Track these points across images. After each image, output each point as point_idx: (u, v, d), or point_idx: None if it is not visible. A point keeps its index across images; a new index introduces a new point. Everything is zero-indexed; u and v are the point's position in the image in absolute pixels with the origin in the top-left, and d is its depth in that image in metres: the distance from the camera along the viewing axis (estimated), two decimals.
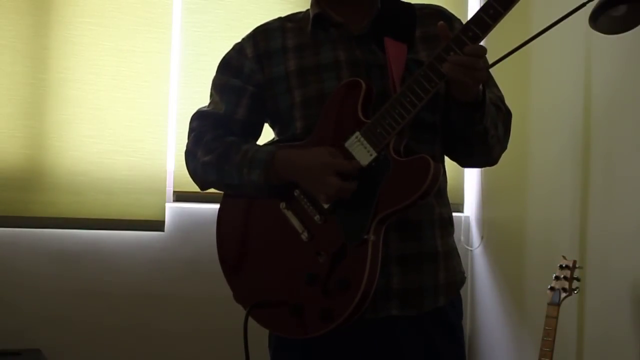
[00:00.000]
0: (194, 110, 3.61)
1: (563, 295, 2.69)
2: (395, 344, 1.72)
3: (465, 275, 1.89)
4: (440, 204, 1.79)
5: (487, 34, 1.55)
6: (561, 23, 1.71)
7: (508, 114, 1.84)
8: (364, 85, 1.68)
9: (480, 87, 1.63)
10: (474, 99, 1.64)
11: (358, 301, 1.61)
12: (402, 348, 1.73)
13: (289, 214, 1.72)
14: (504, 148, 1.84)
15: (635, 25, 2.51)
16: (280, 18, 1.92)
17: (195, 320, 3.36)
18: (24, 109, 3.22)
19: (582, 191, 2.97)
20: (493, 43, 2.06)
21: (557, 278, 2.73)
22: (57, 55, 3.26)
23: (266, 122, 1.92)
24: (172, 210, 3.37)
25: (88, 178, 3.25)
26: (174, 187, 3.37)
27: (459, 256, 1.87)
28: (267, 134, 1.92)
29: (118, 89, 3.31)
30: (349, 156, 1.66)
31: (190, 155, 1.87)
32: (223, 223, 1.89)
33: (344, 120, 1.69)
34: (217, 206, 3.49)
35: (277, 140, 1.85)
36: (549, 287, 2.73)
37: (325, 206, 1.68)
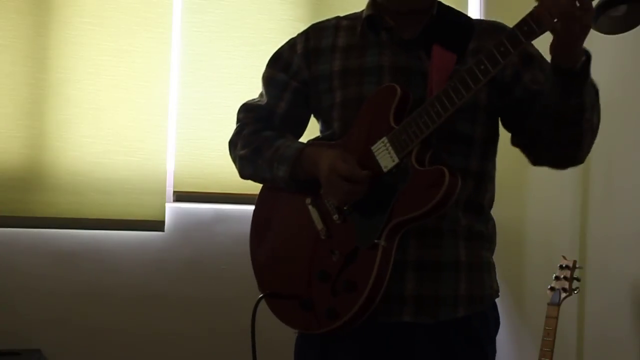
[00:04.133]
0: (194, 110, 3.63)
1: (563, 295, 2.69)
2: (409, 351, 1.71)
3: (498, 290, 1.83)
4: (469, 217, 1.74)
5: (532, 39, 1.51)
6: None
7: (600, 110, 1.70)
8: (399, 91, 1.67)
9: (584, 57, 1.56)
10: (573, 65, 1.54)
11: (362, 304, 1.62)
12: (414, 355, 1.71)
13: (312, 210, 1.76)
14: (591, 144, 1.69)
15: (635, 25, 2.51)
16: (337, 16, 1.91)
17: (195, 320, 3.36)
18: (24, 109, 3.22)
19: (582, 192, 2.96)
20: None
21: (557, 278, 2.73)
22: (57, 55, 3.26)
23: (312, 116, 1.93)
24: (172, 210, 3.37)
25: (88, 178, 3.25)
26: (174, 187, 3.37)
27: (494, 271, 1.82)
28: (313, 130, 1.93)
29: (118, 89, 3.31)
30: (372, 160, 1.66)
31: (232, 146, 1.93)
32: (256, 213, 1.92)
33: (376, 124, 1.69)
34: (216, 206, 3.49)
35: (316, 137, 1.87)
36: (549, 287, 2.73)
37: (345, 207, 1.70)
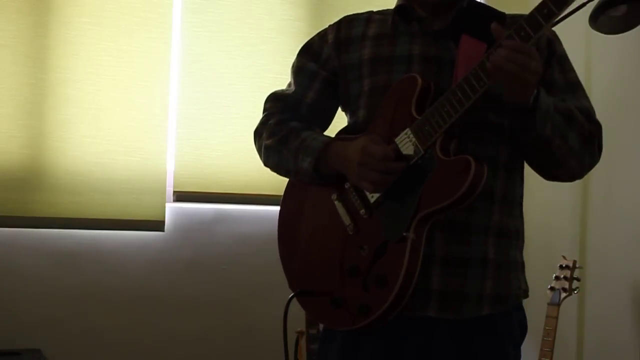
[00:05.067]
0: (194, 110, 3.62)
1: (563, 295, 2.69)
2: (427, 345, 1.69)
3: (527, 291, 1.82)
4: (502, 213, 1.73)
5: (540, 34, 1.51)
6: (561, 23, 1.71)
7: (596, 127, 1.72)
8: (419, 81, 1.66)
9: (535, 91, 1.57)
10: (521, 101, 1.57)
11: (393, 299, 1.62)
12: (432, 350, 1.69)
13: (339, 206, 1.75)
14: (585, 162, 1.72)
15: (635, 25, 2.51)
16: (370, 11, 1.90)
17: (196, 320, 3.36)
18: (24, 109, 3.22)
19: (582, 192, 2.97)
20: None
21: (557, 278, 2.73)
22: (57, 55, 3.26)
23: (340, 108, 1.92)
24: (172, 210, 3.37)
25: (88, 178, 3.25)
26: (174, 187, 3.37)
27: (522, 271, 1.81)
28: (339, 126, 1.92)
29: (118, 89, 3.31)
30: (397, 152, 1.65)
31: (257, 135, 1.92)
32: (283, 211, 1.91)
33: (398, 115, 1.68)
34: (216, 206, 3.49)
35: (342, 130, 1.86)
36: (549, 287, 2.73)
37: (371, 200, 1.69)
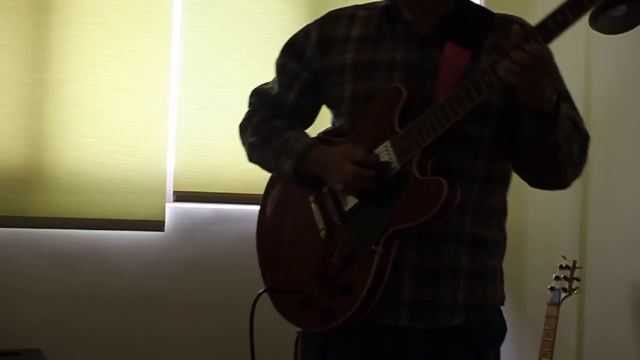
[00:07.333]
0: (194, 110, 3.62)
1: (563, 295, 2.69)
2: (401, 354, 1.69)
3: (503, 299, 1.77)
4: (475, 223, 1.69)
5: (551, 41, 1.48)
6: None
7: (586, 136, 1.71)
8: (404, 93, 1.64)
9: (554, 97, 1.54)
10: (544, 108, 1.54)
11: (356, 309, 1.62)
12: (407, 359, 1.69)
13: (315, 209, 1.75)
14: (578, 172, 1.72)
15: (635, 25, 2.51)
16: (356, 5, 1.85)
17: (195, 320, 3.36)
18: (24, 109, 3.22)
19: (582, 192, 2.97)
20: None
21: (557, 278, 2.73)
22: (57, 55, 3.26)
23: (323, 106, 1.91)
24: (172, 210, 3.37)
25: (88, 178, 3.25)
26: (174, 187, 3.37)
27: (500, 280, 1.76)
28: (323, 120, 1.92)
29: (118, 89, 3.31)
30: (376, 162, 1.64)
31: (242, 131, 1.94)
32: (262, 208, 1.92)
33: (381, 127, 1.67)
34: (216, 206, 3.49)
35: (326, 131, 1.85)
36: (549, 287, 2.73)
37: (346, 209, 1.69)
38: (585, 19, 2.45)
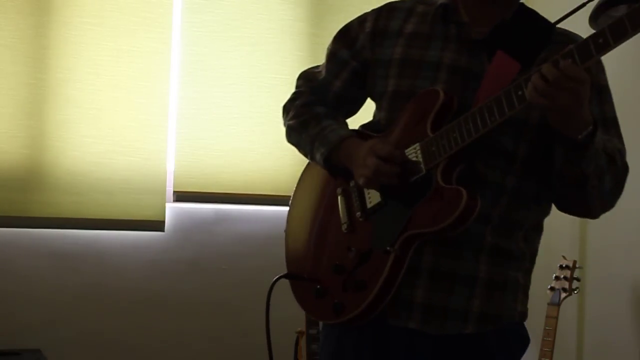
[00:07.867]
0: (194, 110, 3.62)
1: (563, 295, 2.69)
2: (411, 357, 1.67)
3: (524, 314, 1.73)
4: (498, 234, 1.64)
5: (587, 65, 1.44)
6: (561, 23, 1.71)
7: (624, 170, 1.66)
8: (442, 96, 1.62)
9: (589, 127, 1.50)
10: (573, 135, 1.49)
11: (366, 306, 1.63)
12: None
13: (341, 201, 1.76)
14: (607, 207, 1.68)
15: None
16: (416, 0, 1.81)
17: (196, 321, 3.36)
18: (24, 109, 3.22)
19: None
20: None
21: (557, 278, 2.73)
22: (57, 55, 3.26)
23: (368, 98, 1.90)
24: (172, 210, 3.37)
25: (88, 178, 3.25)
26: (174, 187, 3.37)
27: (523, 293, 1.71)
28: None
29: (118, 89, 3.31)
30: (404, 160, 1.63)
31: (285, 111, 1.93)
32: (295, 195, 1.93)
33: (414, 128, 1.66)
34: (216, 206, 3.49)
35: (365, 124, 1.84)
36: (549, 287, 2.73)
37: (368, 206, 1.69)
38: (585, 19, 2.45)
